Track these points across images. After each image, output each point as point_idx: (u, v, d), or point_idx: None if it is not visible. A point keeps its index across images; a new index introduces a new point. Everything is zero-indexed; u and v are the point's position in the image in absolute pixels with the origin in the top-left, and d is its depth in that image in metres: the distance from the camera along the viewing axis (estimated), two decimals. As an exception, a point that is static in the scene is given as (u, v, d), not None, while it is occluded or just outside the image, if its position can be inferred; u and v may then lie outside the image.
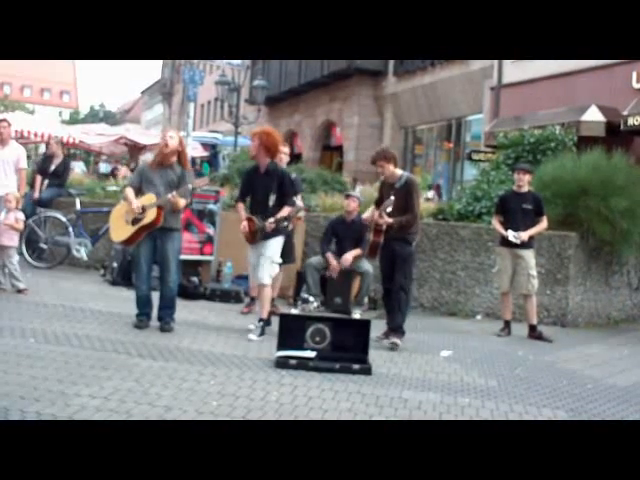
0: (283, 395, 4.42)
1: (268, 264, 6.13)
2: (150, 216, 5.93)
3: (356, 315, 7.82)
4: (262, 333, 6.13)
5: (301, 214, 7.31)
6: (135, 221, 6.00)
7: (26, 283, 7.33)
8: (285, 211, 6.11)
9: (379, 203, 6.53)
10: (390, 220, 6.18)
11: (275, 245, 6.18)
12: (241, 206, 6.33)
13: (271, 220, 5.97)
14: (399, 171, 6.50)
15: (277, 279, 7.32)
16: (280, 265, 6.49)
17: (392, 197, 6.18)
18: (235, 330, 6.29)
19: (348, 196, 8.56)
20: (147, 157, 6.51)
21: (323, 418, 4.06)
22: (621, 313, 8.99)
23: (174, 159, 6.08)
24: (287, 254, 7.36)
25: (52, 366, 4.58)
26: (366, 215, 6.71)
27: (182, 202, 6.03)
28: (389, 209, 6.16)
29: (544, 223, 7.50)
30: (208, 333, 6.17)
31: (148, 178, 6.07)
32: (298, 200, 7.51)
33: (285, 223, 6.21)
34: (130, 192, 6.09)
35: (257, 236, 6.08)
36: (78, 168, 20.12)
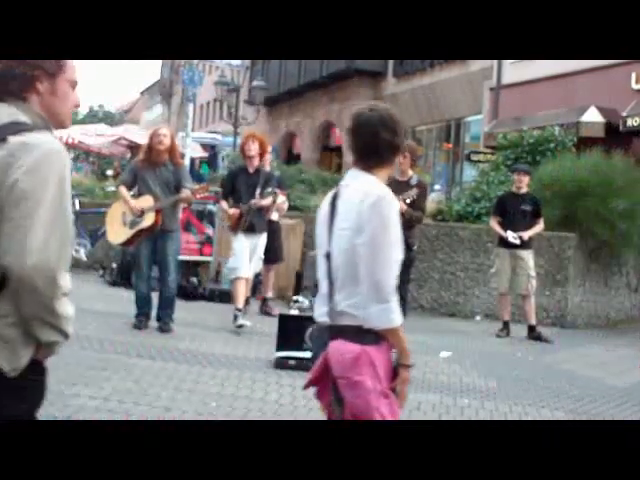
0: (282, 396, 4.42)
1: (257, 260, 6.63)
2: (148, 220, 5.91)
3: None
4: (236, 319, 6.33)
5: (280, 200, 7.46)
6: (133, 224, 5.98)
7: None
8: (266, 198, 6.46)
9: None
10: (405, 207, 6.20)
11: (264, 240, 6.65)
12: (225, 202, 6.66)
13: (255, 200, 6.32)
14: (410, 170, 6.66)
15: (269, 279, 7.43)
16: (271, 265, 7.21)
17: (416, 189, 6.38)
18: (234, 331, 6.29)
19: None
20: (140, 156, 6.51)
21: (322, 418, 4.05)
22: (620, 314, 9.00)
23: (166, 157, 6.06)
24: (275, 253, 7.34)
25: (50, 366, 4.58)
26: None
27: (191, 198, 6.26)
28: (409, 200, 6.28)
29: (541, 224, 7.51)
30: (207, 334, 6.18)
31: (142, 178, 6.03)
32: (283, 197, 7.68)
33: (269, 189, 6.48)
34: (125, 192, 6.07)
35: (242, 223, 6.39)
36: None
